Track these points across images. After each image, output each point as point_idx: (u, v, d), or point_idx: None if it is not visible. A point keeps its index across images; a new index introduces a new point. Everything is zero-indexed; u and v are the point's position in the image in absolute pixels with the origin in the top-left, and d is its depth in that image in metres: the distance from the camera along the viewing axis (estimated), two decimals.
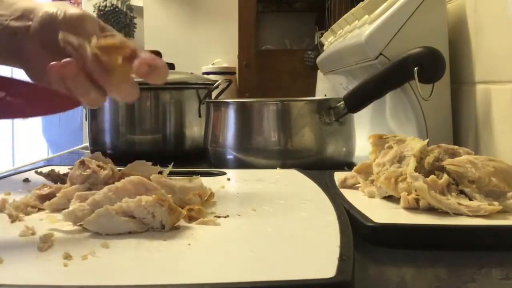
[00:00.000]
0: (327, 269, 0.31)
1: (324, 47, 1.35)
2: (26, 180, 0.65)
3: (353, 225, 0.45)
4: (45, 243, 0.37)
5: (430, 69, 0.75)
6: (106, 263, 0.34)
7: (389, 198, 0.54)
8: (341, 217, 0.44)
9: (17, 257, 0.35)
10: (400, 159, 0.55)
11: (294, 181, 0.65)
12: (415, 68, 0.74)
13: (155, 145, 1.04)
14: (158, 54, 1.14)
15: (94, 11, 2.27)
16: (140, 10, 2.26)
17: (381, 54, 0.81)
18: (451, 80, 0.83)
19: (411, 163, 0.52)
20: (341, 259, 0.33)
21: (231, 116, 0.87)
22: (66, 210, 0.42)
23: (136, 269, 0.34)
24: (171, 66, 1.29)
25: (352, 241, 0.38)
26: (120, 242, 0.38)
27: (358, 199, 0.54)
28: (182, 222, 0.43)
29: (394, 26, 0.80)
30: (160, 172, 0.52)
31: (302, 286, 0.30)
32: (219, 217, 0.46)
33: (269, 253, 0.36)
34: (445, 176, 0.50)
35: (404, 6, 0.80)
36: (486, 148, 0.74)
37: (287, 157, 0.83)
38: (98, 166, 0.48)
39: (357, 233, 0.45)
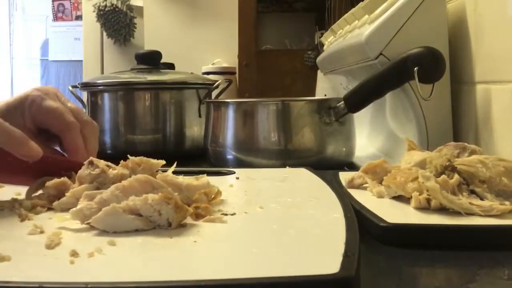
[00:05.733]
0: (331, 265, 0.31)
1: (324, 47, 1.36)
2: None
3: (365, 225, 0.45)
4: (53, 241, 0.37)
5: (430, 69, 0.75)
6: (112, 260, 0.34)
7: (398, 198, 0.53)
8: (348, 215, 0.44)
9: (25, 255, 0.36)
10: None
11: (302, 179, 0.65)
12: (415, 68, 0.74)
13: (155, 145, 1.04)
14: (158, 54, 1.14)
15: (94, 11, 2.27)
16: (140, 10, 2.27)
17: (381, 54, 0.81)
18: (451, 80, 0.83)
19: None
20: (346, 255, 0.33)
21: (231, 116, 0.87)
22: (74, 209, 0.42)
23: (142, 266, 0.34)
24: (171, 66, 1.29)
25: (358, 238, 0.37)
26: (127, 239, 0.39)
27: (367, 199, 0.54)
28: (189, 220, 0.43)
29: (394, 26, 0.80)
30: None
31: (306, 282, 0.30)
32: (226, 214, 0.46)
33: (274, 250, 0.36)
34: (456, 176, 0.50)
35: (404, 6, 0.80)
36: (486, 148, 0.74)
37: (287, 157, 0.82)
38: (107, 165, 0.48)
39: (368, 232, 0.45)
